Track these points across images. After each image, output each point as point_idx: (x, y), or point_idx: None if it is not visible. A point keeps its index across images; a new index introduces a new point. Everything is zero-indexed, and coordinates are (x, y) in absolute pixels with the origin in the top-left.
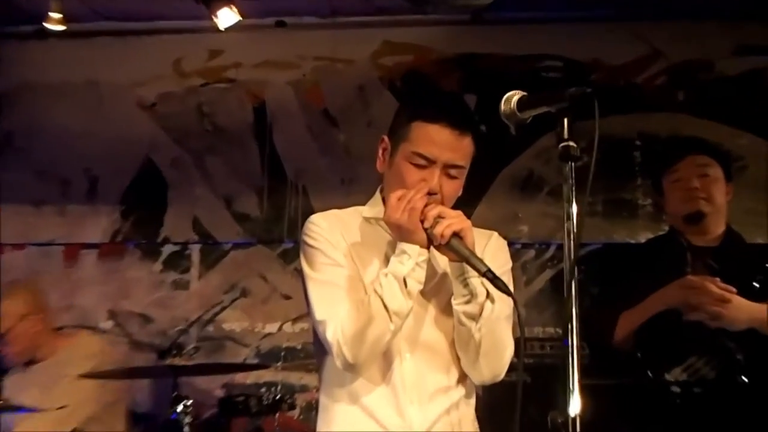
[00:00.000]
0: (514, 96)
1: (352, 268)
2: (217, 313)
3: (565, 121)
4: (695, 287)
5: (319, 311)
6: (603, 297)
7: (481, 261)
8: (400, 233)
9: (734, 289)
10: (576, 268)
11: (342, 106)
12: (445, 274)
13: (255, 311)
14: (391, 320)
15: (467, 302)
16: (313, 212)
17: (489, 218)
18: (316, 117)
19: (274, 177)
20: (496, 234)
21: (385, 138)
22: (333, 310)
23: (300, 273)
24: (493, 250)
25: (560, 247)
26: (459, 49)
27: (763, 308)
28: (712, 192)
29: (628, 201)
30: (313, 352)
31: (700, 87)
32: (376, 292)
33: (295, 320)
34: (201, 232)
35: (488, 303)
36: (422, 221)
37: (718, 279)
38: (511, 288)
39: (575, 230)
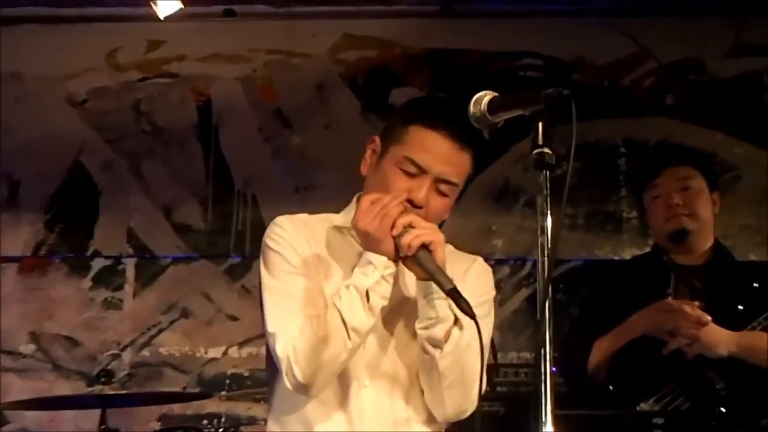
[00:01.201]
0: (484, 97)
1: (314, 278)
2: (153, 336)
3: (540, 125)
4: (671, 310)
5: (272, 322)
6: (580, 320)
7: (448, 279)
8: (368, 241)
9: (709, 318)
10: (550, 288)
11: (297, 105)
12: (414, 297)
13: (197, 334)
14: (348, 337)
15: (431, 326)
16: (263, 224)
17: (460, 231)
18: (268, 117)
19: (219, 184)
20: (480, 259)
21: (376, 138)
22: (286, 323)
23: (258, 283)
24: (474, 275)
25: None
26: (428, 43)
27: (741, 335)
28: (696, 206)
29: (612, 213)
30: (266, 375)
31: (692, 90)
32: (335, 305)
33: (241, 344)
34: (136, 244)
35: (456, 330)
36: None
37: (696, 303)
38: (491, 319)
39: (549, 246)
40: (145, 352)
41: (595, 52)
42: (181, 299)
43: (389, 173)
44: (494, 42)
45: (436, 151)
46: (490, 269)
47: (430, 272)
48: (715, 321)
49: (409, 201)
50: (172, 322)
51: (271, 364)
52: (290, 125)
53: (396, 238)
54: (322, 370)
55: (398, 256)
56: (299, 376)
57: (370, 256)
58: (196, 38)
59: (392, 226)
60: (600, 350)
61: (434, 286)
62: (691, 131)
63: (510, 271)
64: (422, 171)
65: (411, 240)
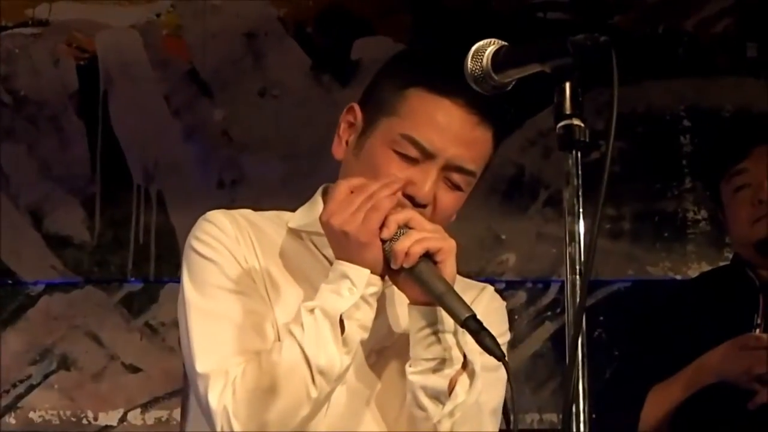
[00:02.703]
0: (487, 48)
1: (261, 299)
2: (20, 396)
3: (567, 86)
4: (761, 348)
5: (202, 359)
6: (627, 362)
7: (464, 303)
8: (345, 245)
9: None
10: (584, 320)
11: (219, 64)
12: (405, 329)
13: (82, 392)
14: (313, 383)
15: (433, 371)
16: (173, 231)
17: (456, 242)
18: (179, 82)
19: (110, 178)
20: (491, 288)
21: (356, 107)
22: (223, 360)
23: (179, 297)
24: (483, 309)
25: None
26: None
27: None
28: None
29: (672, 214)
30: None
31: None
32: (293, 336)
33: (146, 406)
34: None
35: (464, 378)
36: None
37: None
38: (504, 372)
39: (583, 260)
40: (10, 419)
41: None
42: (59, 343)
43: (379, 157)
44: None
45: (448, 127)
46: (503, 303)
47: (437, 293)
48: None
49: (409, 197)
50: (46, 376)
51: (190, 419)
52: (210, 93)
53: (386, 243)
54: (274, 430)
55: (387, 269)
56: None
57: (347, 267)
58: None
59: (382, 225)
60: (657, 402)
61: (439, 313)
62: None
63: (527, 299)
64: (428, 155)
65: (410, 246)
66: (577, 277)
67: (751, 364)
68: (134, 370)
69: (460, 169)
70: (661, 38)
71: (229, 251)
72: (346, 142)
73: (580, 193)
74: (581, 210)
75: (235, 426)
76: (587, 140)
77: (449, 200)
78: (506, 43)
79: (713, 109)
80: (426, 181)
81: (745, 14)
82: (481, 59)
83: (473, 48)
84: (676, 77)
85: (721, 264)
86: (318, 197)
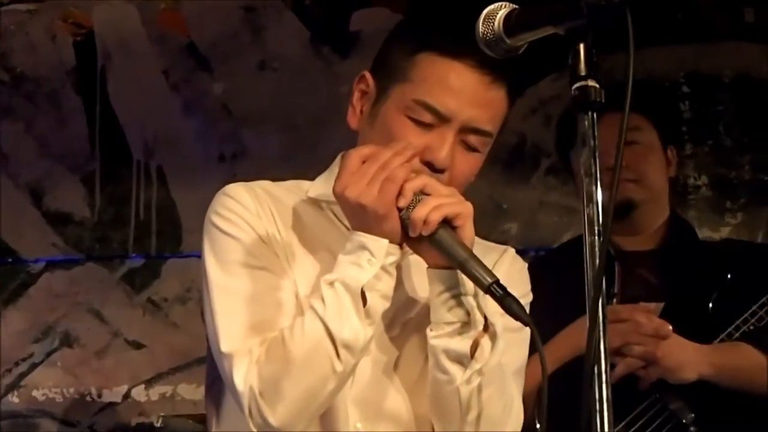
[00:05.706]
0: (498, 11)
1: (285, 274)
2: (23, 374)
3: (581, 48)
4: (618, 320)
5: (226, 338)
6: None
7: (486, 268)
8: (362, 217)
9: (670, 328)
10: (604, 280)
11: (218, 38)
12: (424, 296)
13: (85, 369)
14: (338, 357)
15: (455, 334)
16: (174, 207)
17: None
18: (177, 56)
19: (110, 154)
20: (512, 250)
21: (367, 75)
22: (247, 338)
23: (202, 271)
24: (505, 271)
25: None
26: None
27: (714, 349)
28: (645, 168)
29: (673, 180)
30: (205, 409)
31: None
32: (315, 311)
33: (150, 382)
34: None
35: (485, 340)
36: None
37: (652, 306)
38: (528, 334)
39: (602, 221)
40: (13, 398)
41: None
42: (61, 320)
43: (394, 125)
44: None
45: (461, 89)
46: (525, 264)
47: (459, 260)
48: (679, 331)
49: (427, 163)
50: (49, 354)
51: (217, 398)
52: (209, 67)
53: (402, 211)
54: (301, 406)
55: (404, 237)
56: (269, 416)
57: (365, 238)
58: None
59: (398, 194)
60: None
61: (458, 276)
62: None
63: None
64: (443, 119)
65: (428, 213)
66: (596, 238)
67: (609, 338)
68: (137, 346)
69: (477, 131)
70: (660, 4)
71: (250, 226)
72: (361, 111)
73: (596, 155)
74: (599, 170)
75: (262, 405)
76: (603, 101)
77: (468, 163)
78: (517, 6)
79: (713, 75)
80: (443, 145)
81: None
82: (493, 23)
83: (484, 11)
84: (675, 43)
85: (726, 231)
86: (336, 166)
